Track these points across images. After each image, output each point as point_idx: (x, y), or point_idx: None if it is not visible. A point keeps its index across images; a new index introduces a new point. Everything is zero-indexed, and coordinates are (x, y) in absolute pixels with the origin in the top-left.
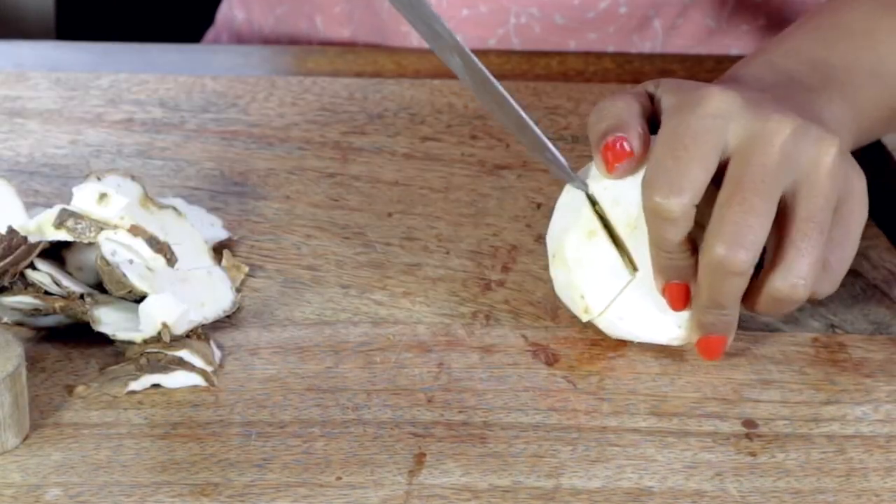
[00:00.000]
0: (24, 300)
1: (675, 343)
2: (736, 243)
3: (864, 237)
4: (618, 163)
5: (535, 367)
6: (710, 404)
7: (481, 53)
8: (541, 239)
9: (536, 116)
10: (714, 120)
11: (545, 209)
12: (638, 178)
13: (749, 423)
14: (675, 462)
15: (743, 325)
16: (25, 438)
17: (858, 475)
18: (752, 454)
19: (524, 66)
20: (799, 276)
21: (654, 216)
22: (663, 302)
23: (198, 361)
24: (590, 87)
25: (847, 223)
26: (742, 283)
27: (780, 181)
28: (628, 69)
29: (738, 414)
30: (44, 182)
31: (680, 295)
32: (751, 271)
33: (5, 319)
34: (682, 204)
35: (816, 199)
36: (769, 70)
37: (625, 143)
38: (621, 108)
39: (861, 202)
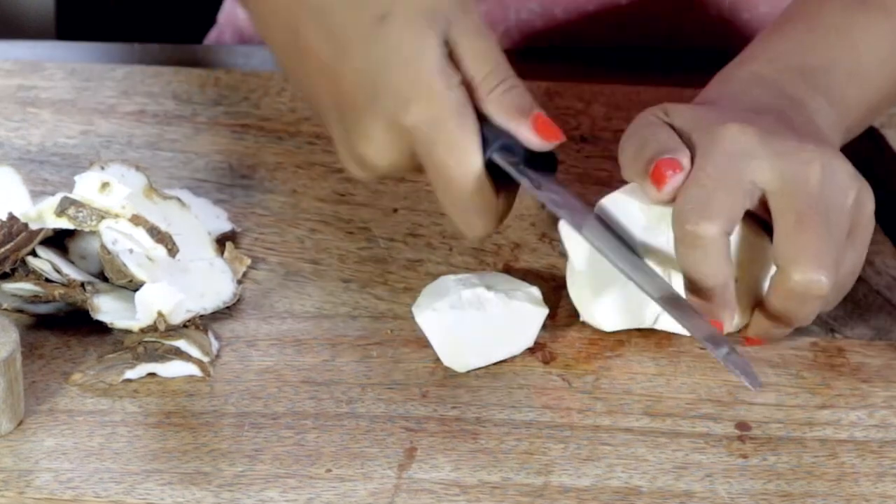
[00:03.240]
0: (25, 287)
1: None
2: (818, 267)
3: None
4: (668, 177)
5: (532, 365)
6: (704, 406)
7: None
8: (545, 237)
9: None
10: (738, 159)
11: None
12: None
13: (742, 425)
14: (666, 462)
15: (742, 328)
16: (20, 424)
17: (849, 480)
18: (744, 456)
19: (536, 66)
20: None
21: (686, 246)
22: None
23: (194, 351)
24: (601, 87)
25: (858, 242)
26: (821, 304)
27: (826, 209)
28: (635, 67)
29: (731, 416)
30: (53, 171)
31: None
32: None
33: (5, 305)
34: (711, 230)
35: (840, 235)
36: (758, 85)
37: (673, 162)
38: (661, 134)
39: (871, 220)
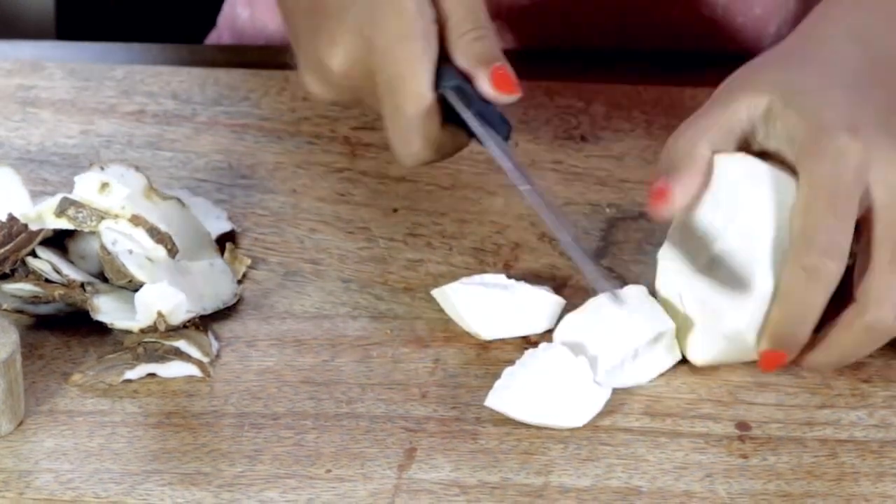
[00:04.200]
0: (25, 287)
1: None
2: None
3: None
4: (656, 204)
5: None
6: (704, 406)
7: None
8: (544, 237)
9: (547, 115)
10: (859, 177)
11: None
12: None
13: (742, 425)
14: (666, 462)
15: None
16: (20, 424)
17: (849, 479)
18: (744, 456)
19: (536, 66)
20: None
21: (808, 277)
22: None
23: (194, 352)
24: (601, 87)
25: None
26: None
27: None
28: (631, 68)
29: (731, 416)
30: (53, 171)
31: (777, 362)
32: None
33: (5, 306)
34: (839, 266)
35: None
36: (854, 45)
37: (667, 192)
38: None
39: None
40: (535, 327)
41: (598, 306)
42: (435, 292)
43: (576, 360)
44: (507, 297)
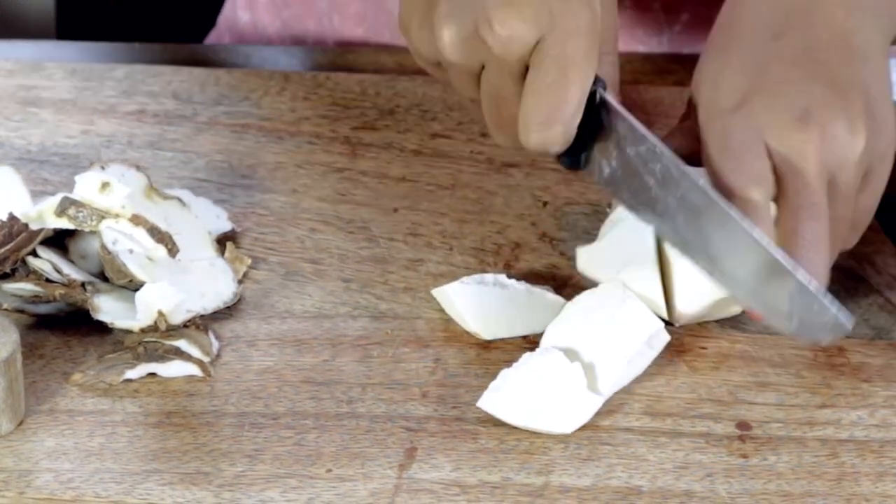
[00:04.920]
0: (25, 287)
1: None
2: (813, 272)
3: (869, 242)
4: None
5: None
6: (704, 405)
7: None
8: (545, 237)
9: None
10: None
11: (551, 207)
12: None
13: (743, 424)
14: (666, 462)
15: (742, 328)
16: (20, 424)
17: (850, 479)
18: (744, 456)
19: None
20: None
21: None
22: None
23: (195, 351)
24: None
25: (873, 185)
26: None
27: (828, 187)
28: (629, 69)
29: (732, 416)
30: (54, 171)
31: None
32: None
33: (5, 306)
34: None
35: (846, 193)
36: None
37: None
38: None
39: (888, 163)
40: (535, 327)
41: (581, 310)
42: (435, 292)
43: (570, 365)
44: (507, 296)
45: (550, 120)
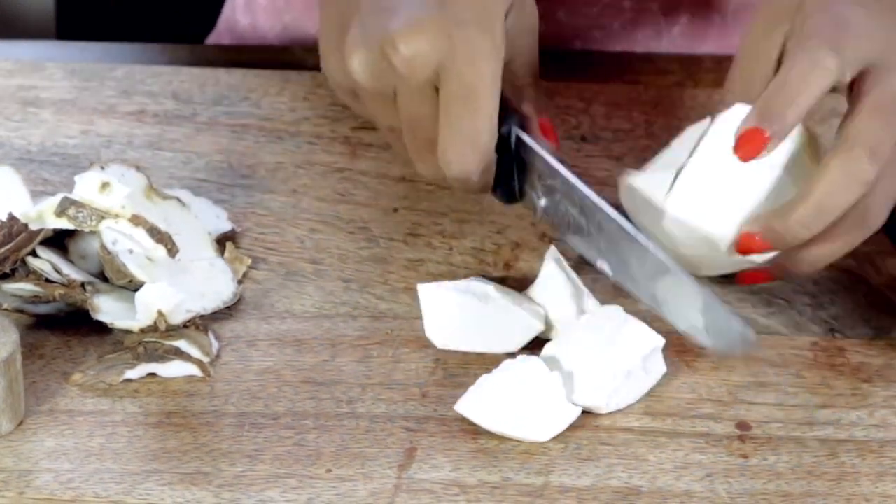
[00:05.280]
0: (25, 287)
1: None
2: (870, 155)
3: (870, 242)
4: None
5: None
6: (704, 405)
7: None
8: (545, 237)
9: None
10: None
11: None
12: None
13: (742, 425)
14: (666, 462)
15: None
16: (20, 424)
17: (850, 479)
18: (744, 456)
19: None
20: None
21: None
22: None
23: (194, 351)
24: (601, 87)
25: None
26: (857, 198)
27: None
28: (630, 69)
29: (731, 416)
30: (53, 171)
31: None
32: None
33: (5, 306)
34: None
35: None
36: None
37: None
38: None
39: None
40: (494, 347)
41: (578, 329)
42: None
43: (549, 374)
44: (482, 310)
45: (464, 148)
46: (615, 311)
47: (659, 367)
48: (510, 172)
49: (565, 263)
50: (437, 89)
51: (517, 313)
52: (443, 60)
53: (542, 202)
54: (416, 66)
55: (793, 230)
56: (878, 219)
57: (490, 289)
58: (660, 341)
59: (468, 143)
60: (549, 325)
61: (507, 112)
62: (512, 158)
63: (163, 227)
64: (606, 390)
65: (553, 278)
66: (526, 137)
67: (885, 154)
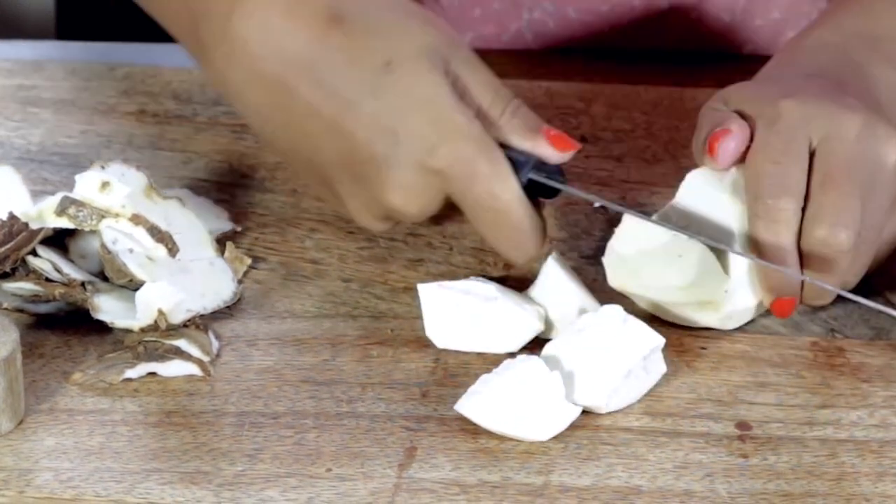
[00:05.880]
0: (25, 286)
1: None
2: (834, 224)
3: None
4: (717, 142)
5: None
6: (704, 405)
7: (493, 52)
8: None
9: (548, 116)
10: (799, 127)
11: (551, 207)
12: None
13: (742, 424)
14: (666, 462)
15: (743, 328)
16: (20, 423)
17: (850, 479)
18: (744, 456)
19: (536, 66)
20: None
21: (767, 220)
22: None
23: (195, 351)
24: (601, 87)
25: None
26: (845, 261)
27: (859, 171)
28: (631, 68)
29: (732, 416)
30: (53, 171)
31: (789, 308)
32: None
33: (5, 305)
34: (791, 204)
35: (882, 194)
36: (823, 51)
37: (727, 129)
38: (716, 115)
39: None
40: (497, 347)
41: (578, 329)
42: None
43: (549, 374)
44: (481, 311)
45: (517, 254)
46: (615, 310)
47: (659, 367)
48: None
49: (565, 264)
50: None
51: (517, 313)
52: (447, 194)
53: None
54: (427, 213)
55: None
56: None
57: (490, 289)
58: (660, 341)
59: (518, 250)
60: (549, 325)
61: (516, 161)
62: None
63: (163, 226)
64: (606, 390)
65: (553, 278)
66: (546, 181)
67: (850, 220)
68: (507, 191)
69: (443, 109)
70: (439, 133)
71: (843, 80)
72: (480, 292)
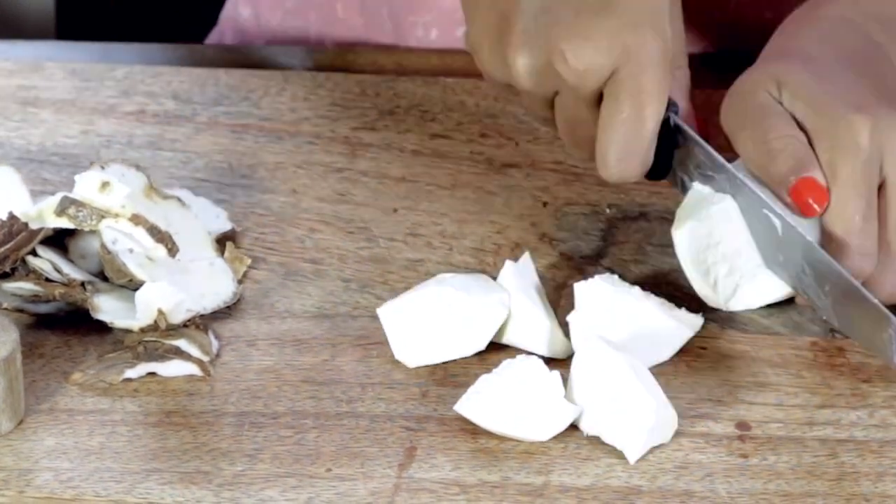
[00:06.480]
0: (25, 286)
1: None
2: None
3: None
4: (819, 204)
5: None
6: (704, 405)
7: None
8: (545, 237)
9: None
10: (873, 163)
11: (551, 208)
12: None
13: (742, 425)
14: (666, 462)
15: (743, 328)
16: (20, 423)
17: (850, 479)
18: (744, 456)
19: None
20: None
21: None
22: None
23: (194, 351)
24: None
25: None
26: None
27: None
28: None
29: (731, 416)
30: (53, 171)
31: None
32: None
33: (5, 305)
34: (873, 237)
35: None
36: (845, 28)
37: (818, 182)
38: (791, 142)
39: None
40: (465, 350)
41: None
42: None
43: (549, 374)
44: (439, 315)
45: (628, 154)
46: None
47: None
48: (659, 153)
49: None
50: (601, 93)
51: (478, 310)
52: (615, 67)
53: (695, 184)
54: (586, 78)
55: None
56: None
57: (448, 291)
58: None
59: (631, 150)
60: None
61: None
62: (664, 140)
63: (163, 226)
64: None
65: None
66: (688, 129)
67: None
68: (659, 101)
69: (665, 17)
70: (646, 29)
71: (869, 72)
72: (439, 299)
